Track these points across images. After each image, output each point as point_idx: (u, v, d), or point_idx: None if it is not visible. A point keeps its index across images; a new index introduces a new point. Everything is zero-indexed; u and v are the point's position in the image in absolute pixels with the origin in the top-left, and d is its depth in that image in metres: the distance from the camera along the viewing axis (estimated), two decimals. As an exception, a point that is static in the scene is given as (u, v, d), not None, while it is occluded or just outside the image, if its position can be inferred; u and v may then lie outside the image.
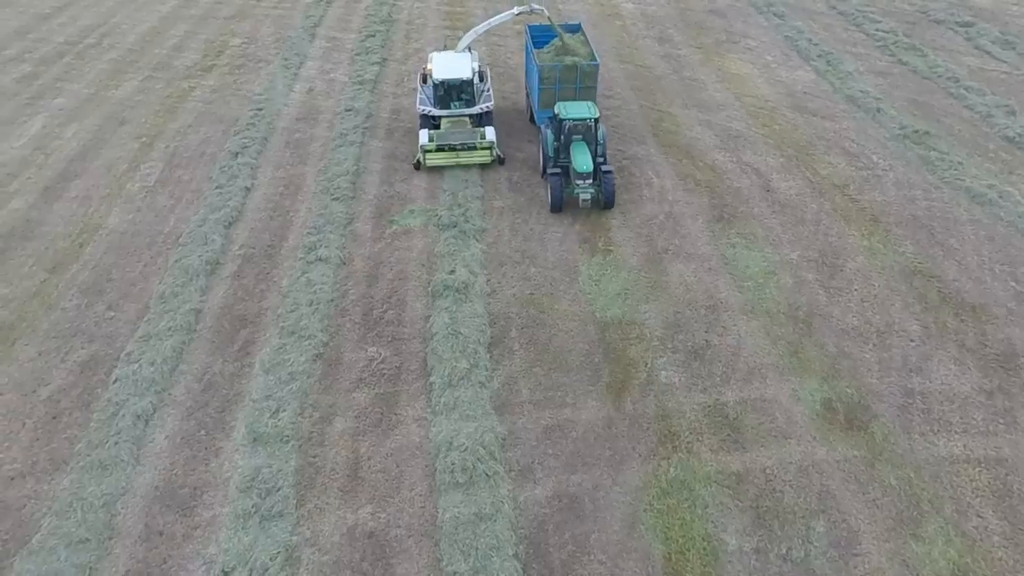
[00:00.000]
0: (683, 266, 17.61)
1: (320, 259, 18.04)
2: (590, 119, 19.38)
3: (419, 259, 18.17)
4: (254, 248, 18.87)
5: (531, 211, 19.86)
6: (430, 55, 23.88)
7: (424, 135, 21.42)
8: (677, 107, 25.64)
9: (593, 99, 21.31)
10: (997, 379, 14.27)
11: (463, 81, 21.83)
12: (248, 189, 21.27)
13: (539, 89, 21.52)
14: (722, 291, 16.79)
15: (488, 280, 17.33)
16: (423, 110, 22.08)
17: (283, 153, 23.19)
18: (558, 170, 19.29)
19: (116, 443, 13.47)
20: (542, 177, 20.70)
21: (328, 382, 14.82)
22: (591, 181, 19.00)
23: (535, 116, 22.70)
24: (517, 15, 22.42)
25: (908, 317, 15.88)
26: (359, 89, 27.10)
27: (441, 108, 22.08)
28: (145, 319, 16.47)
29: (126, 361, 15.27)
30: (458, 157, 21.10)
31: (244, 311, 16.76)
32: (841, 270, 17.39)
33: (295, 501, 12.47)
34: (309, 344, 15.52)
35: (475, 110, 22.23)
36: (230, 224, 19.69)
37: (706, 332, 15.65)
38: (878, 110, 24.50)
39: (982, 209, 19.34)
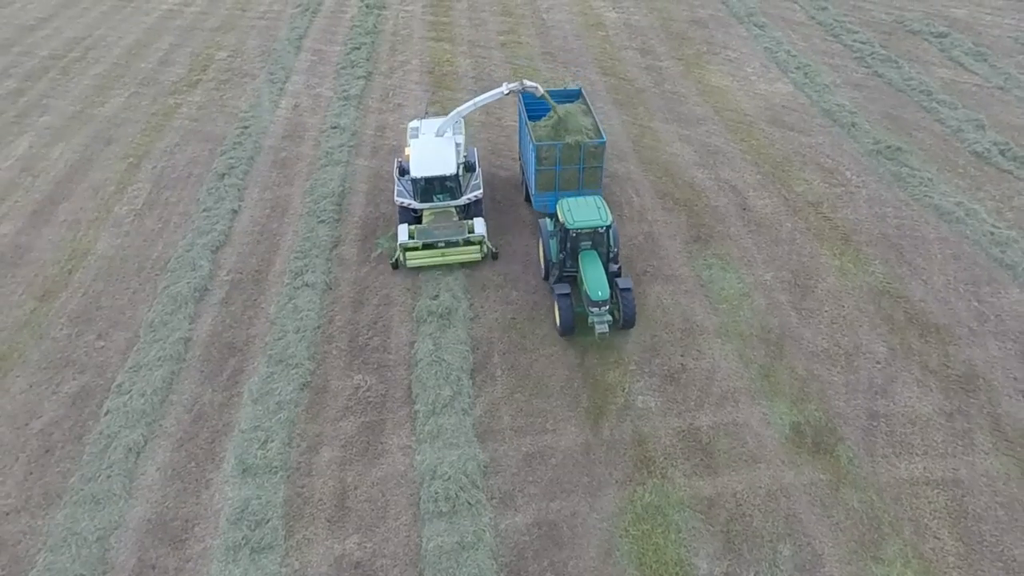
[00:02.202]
0: (661, 288, 18.12)
1: (306, 284, 18.44)
2: (603, 226, 16.34)
3: (403, 283, 18.59)
4: (241, 273, 19.23)
5: (513, 233, 20.28)
6: (408, 130, 21.21)
7: (403, 231, 18.67)
8: (658, 121, 26.09)
9: (599, 181, 19.22)
10: (957, 400, 14.89)
11: (446, 176, 19.16)
12: (235, 211, 21.59)
13: (536, 170, 18.78)
14: (698, 313, 17.32)
15: (471, 304, 17.77)
16: (402, 202, 19.39)
17: (269, 173, 23.50)
18: (567, 289, 16.29)
19: (109, 476, 13.88)
20: (544, 279, 18.07)
21: (315, 411, 15.27)
22: (608, 307, 16.06)
23: (532, 199, 19.94)
24: (507, 94, 19.61)
25: (875, 338, 16.48)
26: (344, 105, 27.39)
27: (422, 201, 19.45)
28: (135, 348, 16.84)
29: (117, 392, 15.66)
30: (443, 255, 18.55)
31: (232, 339, 17.14)
32: (813, 291, 17.96)
33: (284, 533, 12.94)
34: (296, 373, 15.94)
35: (461, 201, 19.49)
36: (217, 248, 20.03)
37: (682, 356, 16.19)
38: (853, 124, 25.04)
39: (949, 227, 19.95)
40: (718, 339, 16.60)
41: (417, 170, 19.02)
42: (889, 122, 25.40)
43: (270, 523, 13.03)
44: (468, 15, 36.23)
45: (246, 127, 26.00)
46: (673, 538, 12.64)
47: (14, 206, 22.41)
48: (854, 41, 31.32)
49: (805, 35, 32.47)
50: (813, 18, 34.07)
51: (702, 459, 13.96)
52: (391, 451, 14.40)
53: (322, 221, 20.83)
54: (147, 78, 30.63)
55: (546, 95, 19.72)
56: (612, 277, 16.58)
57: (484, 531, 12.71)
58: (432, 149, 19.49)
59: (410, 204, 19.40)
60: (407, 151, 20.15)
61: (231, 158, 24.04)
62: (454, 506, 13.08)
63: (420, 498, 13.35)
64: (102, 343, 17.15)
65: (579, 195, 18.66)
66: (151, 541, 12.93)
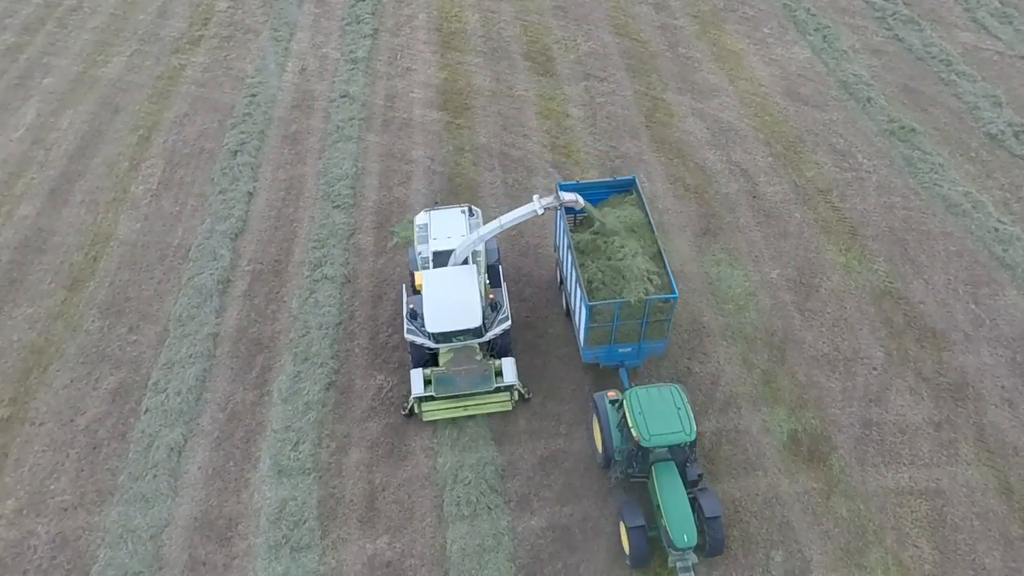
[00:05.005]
0: (670, 285, 18.66)
1: (326, 277, 19.00)
2: (686, 443, 13.12)
3: (420, 277, 19.13)
4: (262, 263, 19.73)
5: (527, 225, 20.55)
6: (415, 228, 17.35)
7: (417, 379, 15.33)
8: (671, 92, 25.76)
9: (665, 333, 15.36)
10: (946, 410, 15.82)
11: (469, 330, 15.43)
12: (251, 194, 21.82)
13: (587, 327, 15.06)
14: (705, 314, 17.99)
15: (486, 300, 18.37)
16: (413, 340, 15.72)
17: (281, 150, 23.50)
18: (640, 520, 13.12)
19: (155, 476, 15.01)
20: (602, 469, 14.69)
21: (342, 411, 16.22)
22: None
23: (580, 349, 16.27)
24: (542, 213, 15.39)
25: (874, 343, 17.22)
26: (352, 70, 26.90)
27: (438, 342, 15.74)
28: (166, 343, 17.62)
29: (154, 390, 16.57)
30: (466, 406, 15.53)
31: (258, 334, 17.88)
32: (817, 290, 18.54)
33: (320, 532, 14.17)
34: (322, 372, 16.79)
35: (486, 338, 15.76)
36: (236, 235, 20.43)
37: (688, 359, 16.99)
38: (868, 99, 24.77)
39: (955, 221, 20.28)
40: (723, 341, 17.35)
41: (433, 323, 15.24)
42: (905, 96, 25.12)
43: (307, 523, 14.24)
44: (476, -42, 34.67)
45: (254, 95, 25.69)
46: (675, 542, 13.84)
47: (31, 183, 22.59)
48: (877, -2, 30.28)
49: (827, -12, 31.29)
50: (836, -32, 32.67)
51: (704, 466, 15.01)
52: (415, 452, 15.46)
53: (337, 206, 21.12)
54: (147, 33, 29.82)
55: (589, 207, 15.88)
56: (692, 488, 13.43)
57: (503, 534, 13.93)
58: (450, 293, 15.44)
59: (424, 344, 15.72)
60: (418, 278, 16.27)
61: (242, 132, 23.96)
62: (475, 510, 14.26)
63: (443, 501, 14.51)
64: (134, 337, 17.91)
65: (649, 384, 14.81)
66: (199, 539, 14.18)
